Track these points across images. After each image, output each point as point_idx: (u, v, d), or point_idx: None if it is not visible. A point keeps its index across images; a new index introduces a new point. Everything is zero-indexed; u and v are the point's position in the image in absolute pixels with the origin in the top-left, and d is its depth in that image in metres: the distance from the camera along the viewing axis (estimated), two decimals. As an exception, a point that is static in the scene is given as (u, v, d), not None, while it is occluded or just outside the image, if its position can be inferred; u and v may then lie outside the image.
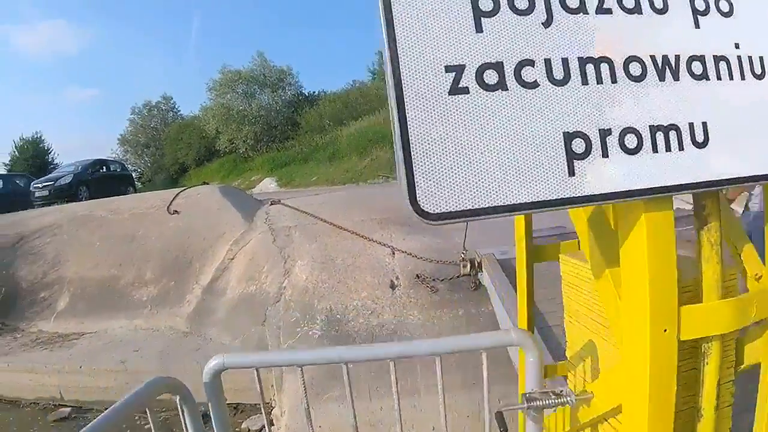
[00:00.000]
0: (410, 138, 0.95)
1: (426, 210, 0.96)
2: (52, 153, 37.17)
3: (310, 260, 5.88)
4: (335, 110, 27.45)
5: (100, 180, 17.08)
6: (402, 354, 1.51)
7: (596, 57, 1.03)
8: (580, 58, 1.03)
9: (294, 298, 5.25)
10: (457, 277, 5.21)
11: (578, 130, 1.01)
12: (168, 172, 36.27)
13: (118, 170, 19.42)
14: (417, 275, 5.31)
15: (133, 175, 27.95)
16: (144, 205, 8.12)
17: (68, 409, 5.32)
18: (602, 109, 1.03)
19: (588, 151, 1.02)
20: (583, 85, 1.02)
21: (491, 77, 0.98)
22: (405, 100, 0.95)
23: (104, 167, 18.47)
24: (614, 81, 1.04)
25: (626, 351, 1.19)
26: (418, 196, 0.95)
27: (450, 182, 0.97)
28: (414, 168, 0.95)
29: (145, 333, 6.16)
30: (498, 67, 0.99)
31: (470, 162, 0.97)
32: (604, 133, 1.02)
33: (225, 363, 1.49)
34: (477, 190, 0.97)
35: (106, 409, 1.23)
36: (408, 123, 0.95)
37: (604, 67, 1.04)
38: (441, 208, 0.96)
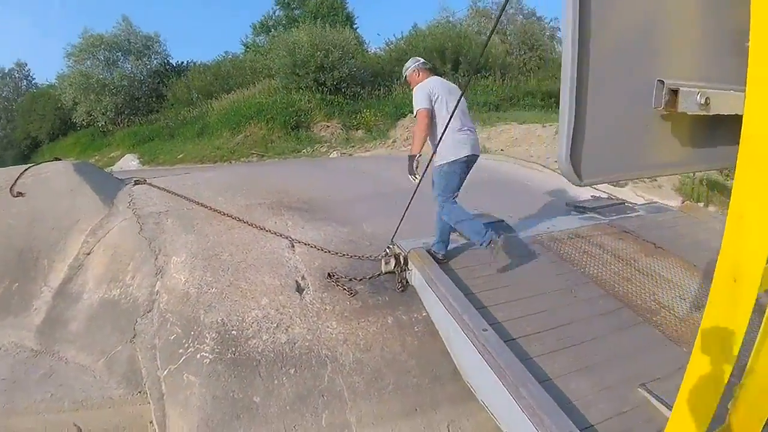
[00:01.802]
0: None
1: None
2: None
3: (188, 256, 4.76)
4: (205, 82, 25.11)
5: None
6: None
7: None
8: None
9: (171, 307, 4.14)
10: (378, 275, 4.43)
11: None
12: (19, 147, 32.11)
13: (-39, 144, 15.90)
14: (328, 274, 4.43)
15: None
16: (-18, 185, 6.31)
17: None
18: None
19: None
20: None
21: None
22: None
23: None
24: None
25: None
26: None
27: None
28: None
29: (-15, 351, 4.66)
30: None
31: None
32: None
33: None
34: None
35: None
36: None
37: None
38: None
